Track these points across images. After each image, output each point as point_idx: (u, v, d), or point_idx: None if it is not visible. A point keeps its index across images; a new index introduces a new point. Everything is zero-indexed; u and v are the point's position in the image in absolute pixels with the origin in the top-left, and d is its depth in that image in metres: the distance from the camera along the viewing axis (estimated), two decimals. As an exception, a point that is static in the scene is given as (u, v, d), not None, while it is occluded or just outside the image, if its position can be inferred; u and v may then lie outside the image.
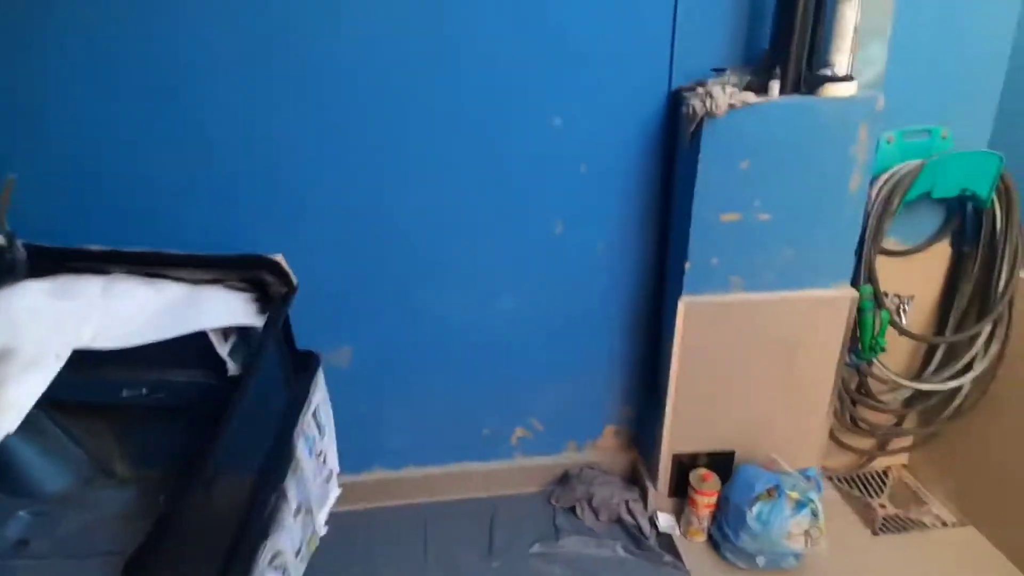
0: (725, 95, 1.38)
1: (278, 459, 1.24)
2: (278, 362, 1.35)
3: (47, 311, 1.19)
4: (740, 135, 1.42)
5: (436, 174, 1.61)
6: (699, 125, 1.41)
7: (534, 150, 1.61)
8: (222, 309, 1.30)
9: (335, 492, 1.57)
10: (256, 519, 1.09)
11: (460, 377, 1.87)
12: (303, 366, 1.50)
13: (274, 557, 1.10)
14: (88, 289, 1.28)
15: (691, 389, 1.70)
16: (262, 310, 1.33)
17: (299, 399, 1.40)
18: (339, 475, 1.70)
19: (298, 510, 1.27)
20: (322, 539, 1.55)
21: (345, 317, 1.75)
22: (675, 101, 1.53)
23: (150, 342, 1.19)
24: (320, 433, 1.48)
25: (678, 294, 1.60)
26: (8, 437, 1.34)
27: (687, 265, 1.56)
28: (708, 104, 1.38)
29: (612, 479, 1.95)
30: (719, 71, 1.47)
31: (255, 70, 1.44)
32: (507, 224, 1.68)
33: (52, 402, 1.40)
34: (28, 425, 1.38)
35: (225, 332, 1.32)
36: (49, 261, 1.29)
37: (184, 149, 1.49)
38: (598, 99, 1.57)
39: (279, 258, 1.40)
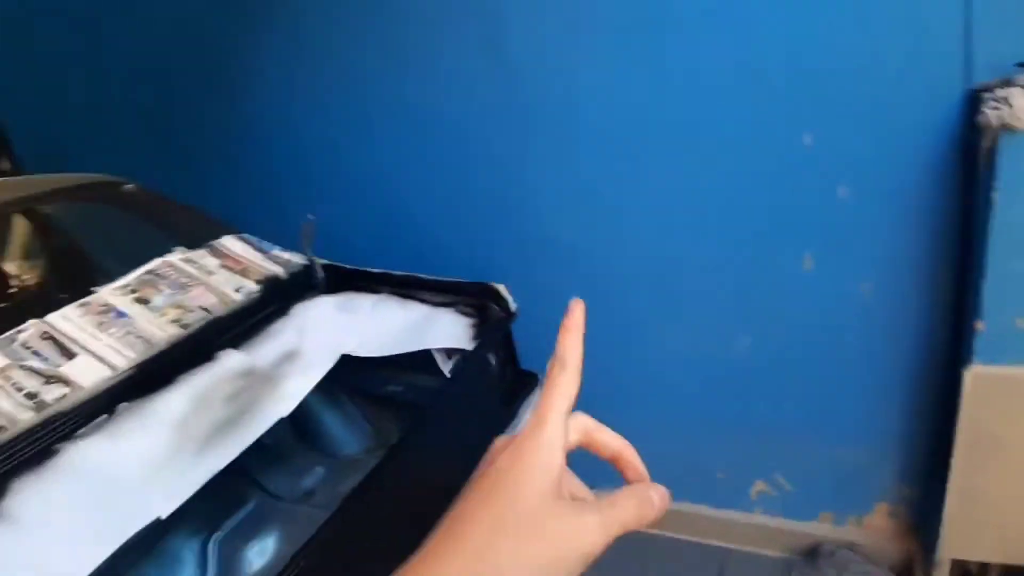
0: (1038, 98, 0.98)
1: (472, 473, 1.38)
2: (482, 381, 1.49)
3: (331, 321, 1.55)
4: (1067, 152, 0.99)
5: (669, 202, 1.55)
6: (995, 141, 1.04)
7: (778, 173, 1.41)
8: (447, 331, 1.49)
9: (543, 508, 1.65)
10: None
11: (689, 413, 1.77)
12: (522, 385, 1.61)
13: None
14: (363, 305, 1.62)
15: (983, 483, 1.27)
16: (479, 335, 1.48)
17: (506, 417, 1.53)
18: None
19: (486, 522, 1.39)
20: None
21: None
22: (973, 104, 1.15)
23: (389, 354, 1.45)
24: (529, 451, 1.58)
25: (966, 362, 1.20)
26: (320, 407, 1.81)
27: (979, 325, 1.16)
28: (1005, 113, 1.00)
29: (874, 571, 1.58)
30: (1038, 62, 1.05)
31: (509, 121, 1.62)
32: (744, 256, 1.52)
33: (350, 387, 1.83)
34: (335, 401, 1.85)
35: (450, 351, 1.51)
36: (341, 279, 1.67)
37: (449, 189, 1.77)
38: (860, 106, 1.29)
39: (501, 287, 1.53)
